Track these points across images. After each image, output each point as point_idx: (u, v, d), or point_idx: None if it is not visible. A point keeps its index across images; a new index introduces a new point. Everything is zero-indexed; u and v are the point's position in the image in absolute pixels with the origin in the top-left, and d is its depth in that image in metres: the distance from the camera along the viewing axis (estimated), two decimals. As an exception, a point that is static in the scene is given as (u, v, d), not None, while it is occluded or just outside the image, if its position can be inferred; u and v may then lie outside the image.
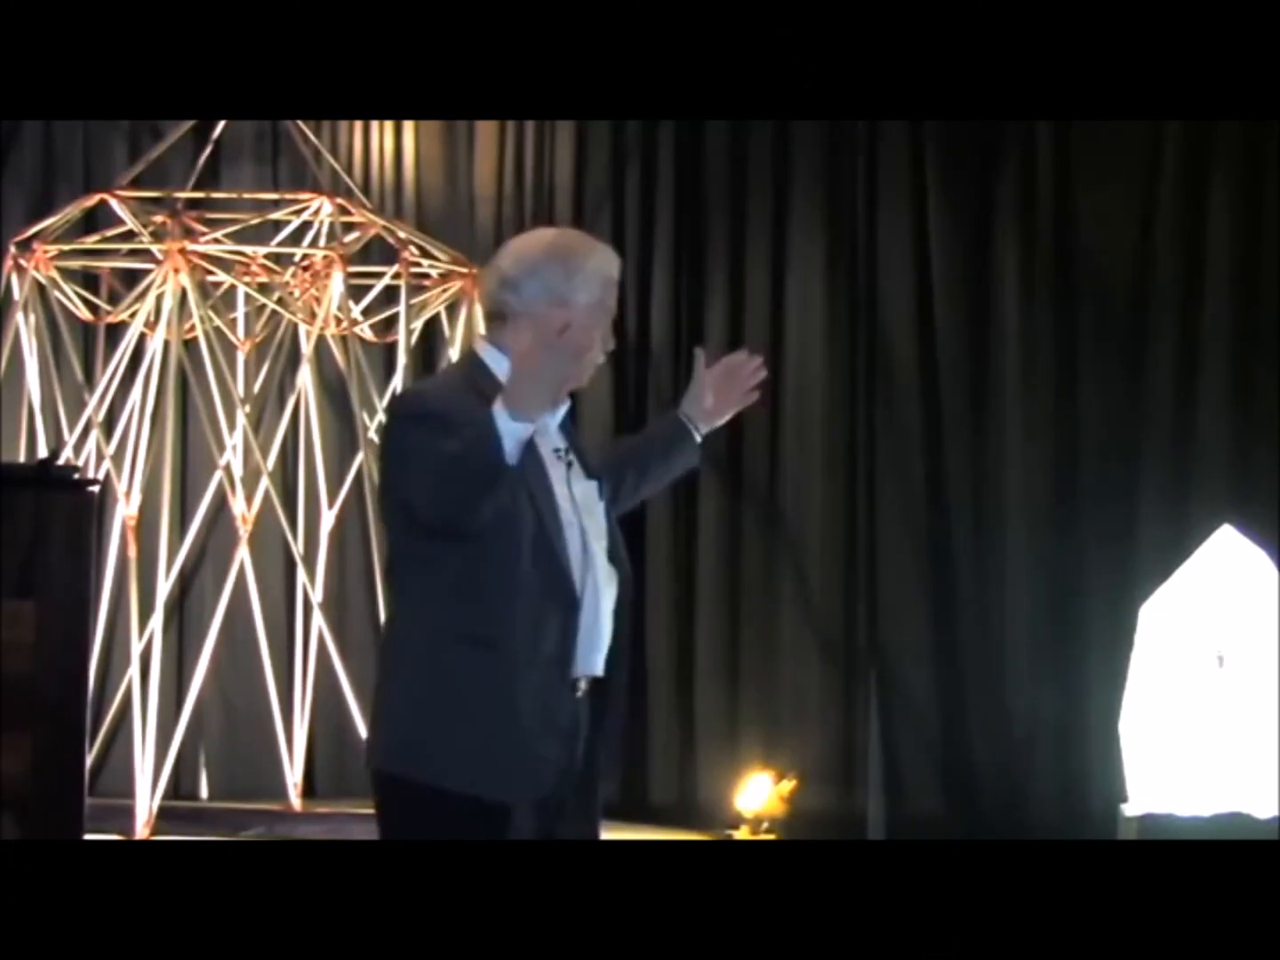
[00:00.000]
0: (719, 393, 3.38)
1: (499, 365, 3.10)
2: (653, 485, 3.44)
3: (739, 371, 3.39)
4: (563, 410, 3.16)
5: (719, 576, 7.60)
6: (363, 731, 6.99)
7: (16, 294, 7.22)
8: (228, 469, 7.39)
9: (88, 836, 3.96)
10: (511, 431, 2.88)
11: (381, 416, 7.42)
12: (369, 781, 3.07)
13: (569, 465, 3.10)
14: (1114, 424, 7.30)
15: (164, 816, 6.85)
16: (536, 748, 2.99)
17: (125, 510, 7.25)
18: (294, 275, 7.64)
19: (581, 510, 3.08)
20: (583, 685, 3.05)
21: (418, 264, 7.36)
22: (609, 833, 3.23)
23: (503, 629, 3.00)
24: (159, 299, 7.19)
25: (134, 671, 6.96)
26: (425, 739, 3.00)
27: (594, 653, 3.06)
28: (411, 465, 2.99)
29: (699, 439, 3.39)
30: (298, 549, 7.32)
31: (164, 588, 7.15)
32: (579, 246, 3.20)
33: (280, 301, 7.61)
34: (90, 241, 7.48)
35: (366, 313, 7.66)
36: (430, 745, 2.99)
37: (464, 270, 7.46)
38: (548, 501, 3.03)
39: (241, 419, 7.37)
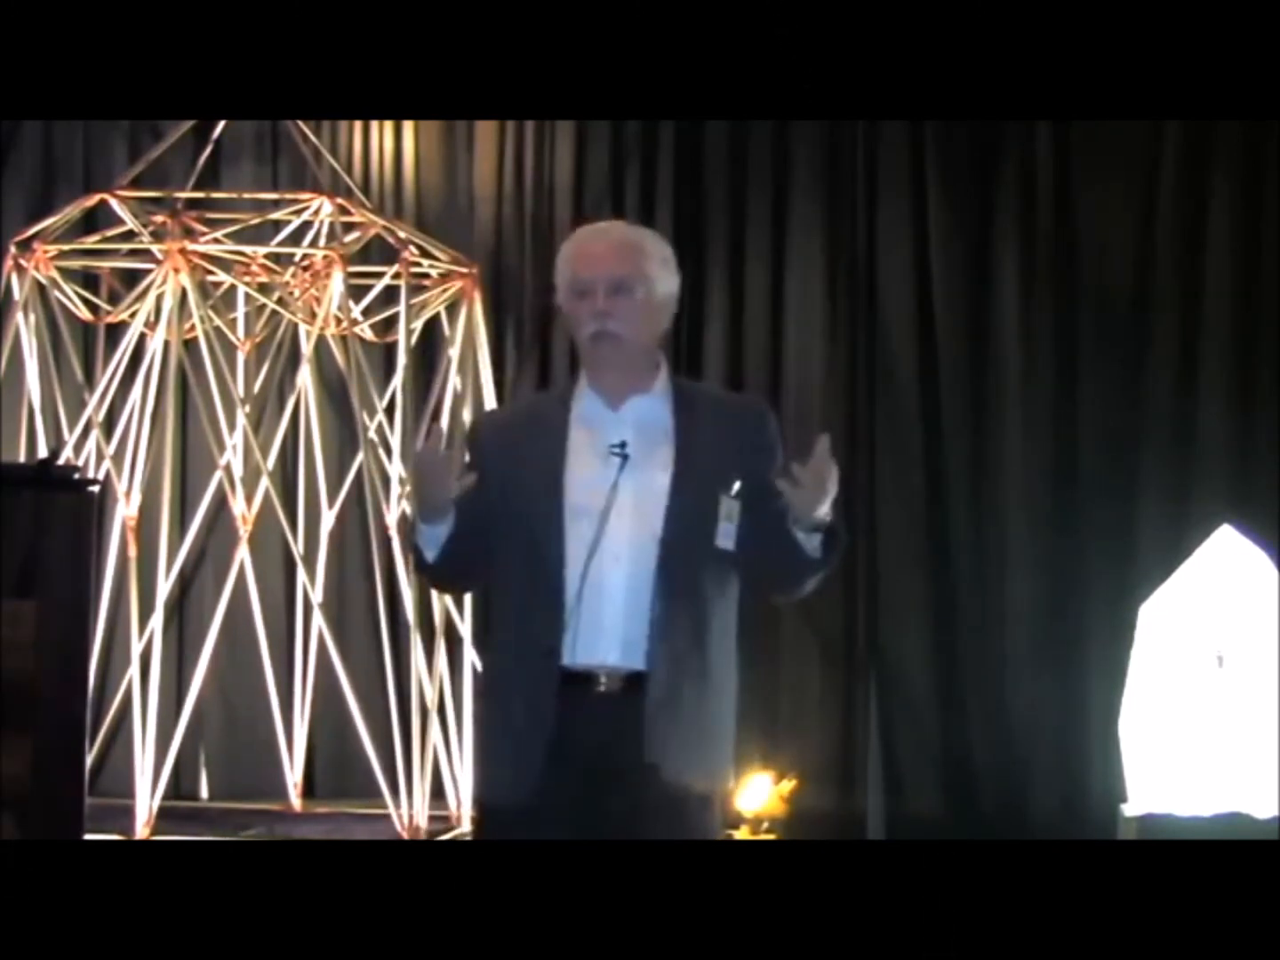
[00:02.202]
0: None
1: (577, 386, 3.22)
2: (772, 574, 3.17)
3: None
4: (647, 403, 3.15)
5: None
6: (363, 731, 7.01)
7: (16, 294, 7.22)
8: (228, 469, 7.39)
9: (88, 836, 3.96)
10: (421, 537, 3.11)
11: (381, 416, 7.45)
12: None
13: (624, 460, 3.06)
14: (1114, 424, 7.30)
15: (164, 816, 6.84)
16: (508, 748, 3.04)
17: (125, 510, 7.25)
18: (294, 275, 7.64)
19: (616, 506, 3.04)
20: (604, 679, 3.03)
21: (418, 264, 7.36)
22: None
23: (496, 627, 3.16)
24: (159, 299, 7.19)
25: (134, 671, 6.96)
26: None
27: (598, 645, 3.03)
28: None
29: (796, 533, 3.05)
30: (298, 549, 7.32)
31: (164, 588, 7.15)
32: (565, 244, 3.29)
33: (280, 301, 7.61)
34: (90, 241, 7.48)
35: (366, 313, 7.66)
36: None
37: (464, 270, 7.46)
38: (547, 499, 3.06)
39: (241, 419, 7.36)
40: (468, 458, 3.18)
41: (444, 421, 3.16)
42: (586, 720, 3.02)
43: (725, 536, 3.05)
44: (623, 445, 3.07)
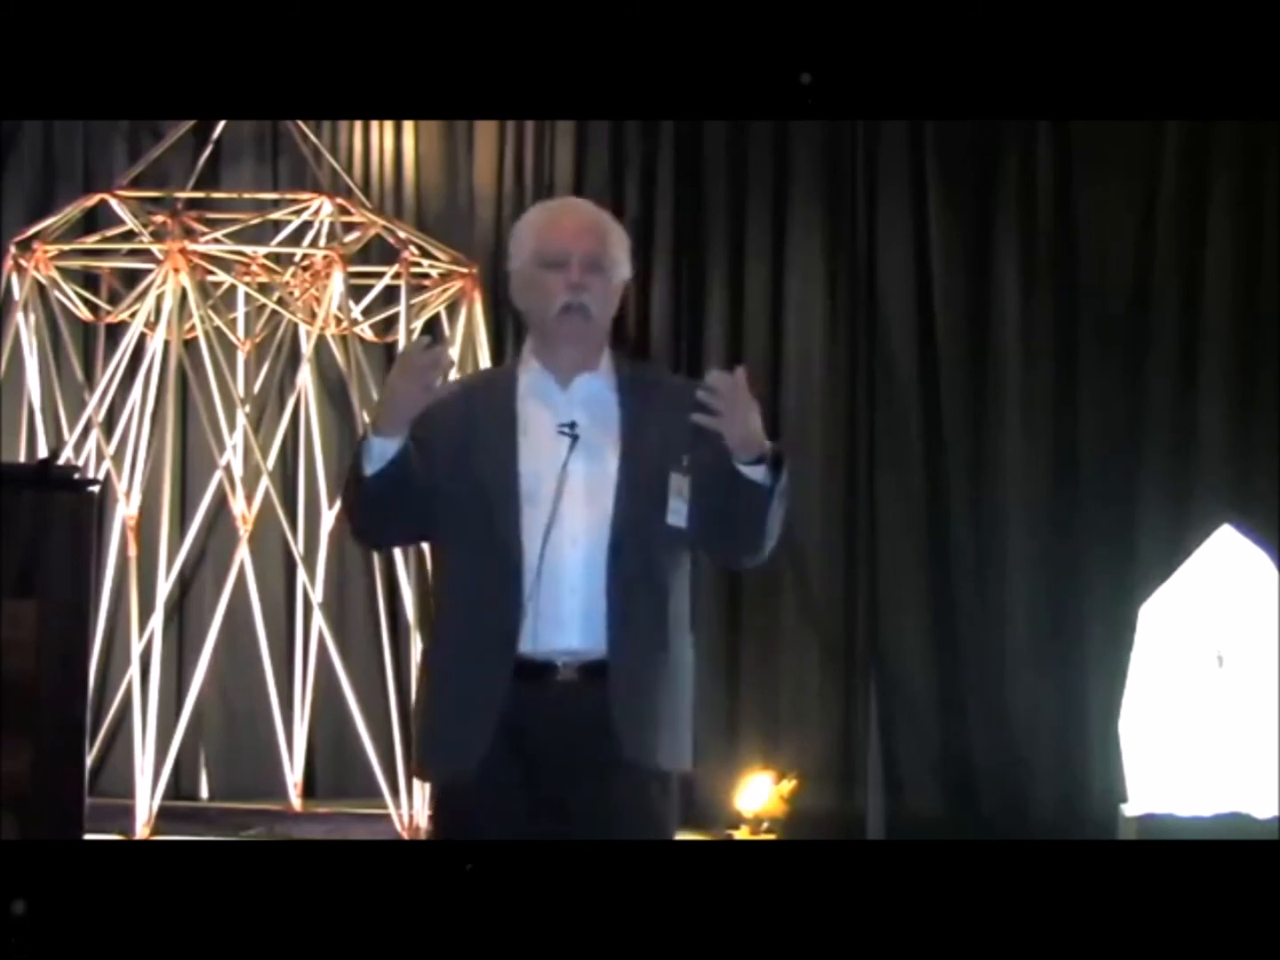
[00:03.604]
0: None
1: (523, 363, 3.19)
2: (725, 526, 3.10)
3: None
4: (595, 383, 3.13)
5: (719, 576, 7.59)
6: (363, 731, 7.01)
7: (16, 294, 7.22)
8: (228, 469, 7.39)
9: (88, 836, 3.96)
10: (368, 448, 2.99)
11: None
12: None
13: (574, 440, 3.03)
14: (1114, 424, 7.30)
15: (164, 816, 6.84)
16: (450, 721, 3.02)
17: (125, 510, 7.25)
18: (294, 275, 7.64)
19: (568, 488, 3.01)
20: (563, 666, 3.00)
21: (418, 264, 7.36)
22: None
23: (447, 611, 3.13)
24: (159, 299, 7.19)
25: (134, 671, 6.96)
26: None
27: (558, 631, 3.00)
28: None
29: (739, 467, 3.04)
30: (298, 549, 7.32)
31: (164, 588, 7.15)
32: (522, 218, 3.24)
33: (280, 301, 7.61)
34: (90, 241, 7.48)
35: (366, 313, 7.66)
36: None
37: (464, 270, 7.46)
38: (502, 481, 3.03)
39: (241, 419, 7.37)
40: (412, 435, 3.07)
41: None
42: (548, 709, 2.98)
43: (675, 514, 3.02)
44: (572, 425, 3.04)
